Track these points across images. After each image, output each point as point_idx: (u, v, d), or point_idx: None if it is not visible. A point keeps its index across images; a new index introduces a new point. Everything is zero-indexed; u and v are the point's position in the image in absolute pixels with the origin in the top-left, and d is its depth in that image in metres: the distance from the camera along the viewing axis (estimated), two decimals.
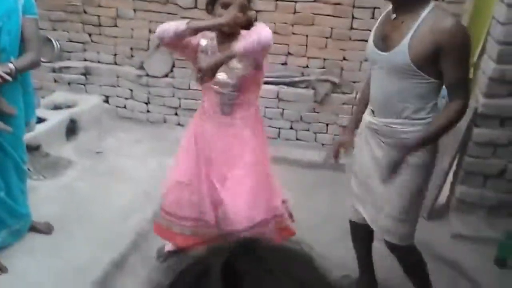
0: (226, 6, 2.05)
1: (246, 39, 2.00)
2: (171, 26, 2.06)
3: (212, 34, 2.20)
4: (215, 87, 2.16)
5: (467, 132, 2.86)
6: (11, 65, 2.20)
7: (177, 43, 2.12)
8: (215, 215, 2.32)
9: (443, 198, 3.13)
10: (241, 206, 2.20)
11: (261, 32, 1.97)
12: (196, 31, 2.05)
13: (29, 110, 2.56)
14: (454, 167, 3.05)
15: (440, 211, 3.10)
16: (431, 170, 1.99)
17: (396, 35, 1.78)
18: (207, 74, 2.02)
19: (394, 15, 1.82)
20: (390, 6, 1.86)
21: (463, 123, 2.85)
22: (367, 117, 2.01)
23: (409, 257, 2.13)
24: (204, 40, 2.20)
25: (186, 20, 2.07)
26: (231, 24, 2.02)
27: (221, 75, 2.12)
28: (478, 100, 2.82)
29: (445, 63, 1.71)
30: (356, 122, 2.15)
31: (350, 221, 2.35)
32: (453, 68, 1.71)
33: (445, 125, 1.81)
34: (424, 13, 1.72)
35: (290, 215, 2.51)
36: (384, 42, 1.83)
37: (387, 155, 1.92)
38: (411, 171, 1.91)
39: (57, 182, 3.38)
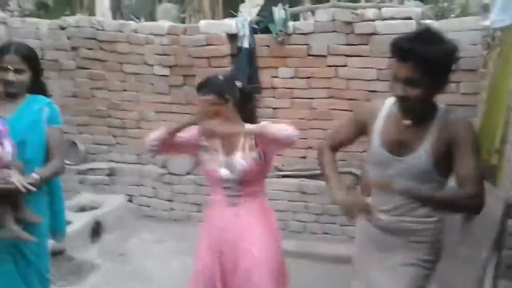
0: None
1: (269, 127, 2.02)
2: (153, 136, 2.16)
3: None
4: (220, 182, 2.18)
5: (502, 224, 2.78)
6: (35, 175, 2.22)
7: (168, 149, 2.22)
8: None
9: None
10: None
11: (288, 128, 2.00)
12: (174, 132, 2.13)
13: (59, 220, 2.57)
14: (494, 260, 2.92)
15: None
16: (431, 272, 1.91)
17: (413, 139, 1.76)
18: (213, 134, 2.07)
19: (409, 122, 1.77)
20: (391, 109, 1.84)
21: (496, 214, 2.79)
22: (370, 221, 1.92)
23: None
24: (203, 138, 2.21)
25: (165, 127, 2.17)
26: (201, 119, 2.08)
27: (224, 171, 2.14)
28: (508, 190, 2.77)
29: (460, 155, 1.69)
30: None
31: None
32: (467, 160, 1.67)
33: (448, 200, 1.73)
34: (439, 115, 1.74)
35: None
36: (398, 147, 1.79)
37: (400, 254, 1.87)
38: (420, 268, 1.86)
39: (81, 287, 3.31)
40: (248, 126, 2.11)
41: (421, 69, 1.61)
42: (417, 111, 1.74)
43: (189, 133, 2.20)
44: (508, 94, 3.07)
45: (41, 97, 2.40)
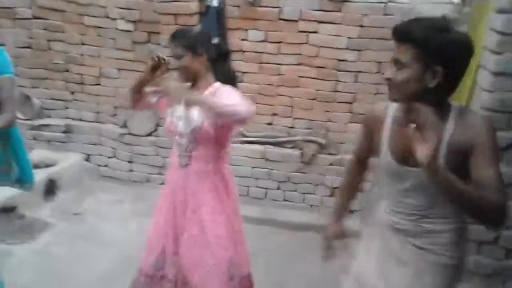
0: (174, 56, 2.08)
1: (225, 98, 1.96)
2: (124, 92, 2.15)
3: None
4: (176, 137, 2.13)
5: None
6: None
7: (141, 104, 2.23)
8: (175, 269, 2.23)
9: None
10: (192, 263, 2.15)
11: (238, 104, 1.92)
12: (137, 87, 2.14)
13: (27, 169, 2.48)
14: None
15: None
16: (461, 271, 1.72)
17: None
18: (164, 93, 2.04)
19: (413, 125, 1.48)
20: (395, 112, 1.67)
21: None
22: (387, 216, 1.75)
23: None
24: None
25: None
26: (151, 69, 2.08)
27: (180, 125, 2.09)
28: None
29: (477, 161, 1.48)
30: (343, 210, 1.97)
31: None
32: (486, 166, 1.46)
33: (474, 197, 1.42)
34: (452, 118, 1.54)
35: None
36: (409, 157, 1.52)
37: (416, 256, 1.68)
38: (440, 274, 1.66)
39: (32, 246, 3.20)
40: (194, 95, 2.00)
41: (412, 52, 1.45)
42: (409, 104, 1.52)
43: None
44: (475, 70, 3.12)
45: None
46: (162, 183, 4.16)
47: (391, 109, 1.68)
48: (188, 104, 1.98)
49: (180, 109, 2.09)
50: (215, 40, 2.16)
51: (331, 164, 3.86)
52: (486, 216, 1.46)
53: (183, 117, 2.08)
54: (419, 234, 1.66)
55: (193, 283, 2.16)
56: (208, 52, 2.08)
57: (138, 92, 2.18)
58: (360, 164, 1.96)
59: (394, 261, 1.73)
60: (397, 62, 1.49)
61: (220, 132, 2.07)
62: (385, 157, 1.66)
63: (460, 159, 1.50)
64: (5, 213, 3.26)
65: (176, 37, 2.06)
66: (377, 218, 1.79)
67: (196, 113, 2.05)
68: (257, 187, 3.98)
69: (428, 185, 1.49)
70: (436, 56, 1.45)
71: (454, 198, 1.46)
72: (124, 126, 4.23)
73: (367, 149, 1.83)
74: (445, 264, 1.65)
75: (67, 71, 4.32)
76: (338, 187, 3.75)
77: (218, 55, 2.17)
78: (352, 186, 1.98)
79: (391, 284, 1.73)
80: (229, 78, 2.17)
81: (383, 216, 1.76)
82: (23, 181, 2.52)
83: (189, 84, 2.10)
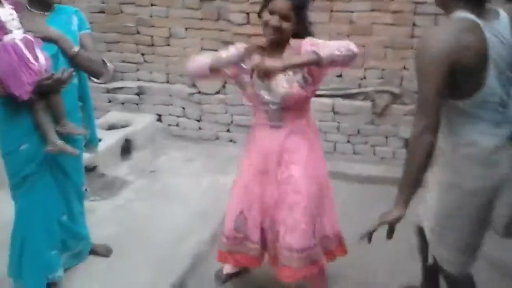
0: (272, 13, 1.90)
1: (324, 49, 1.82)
2: (196, 67, 2.06)
3: (257, 53, 2.04)
4: (262, 105, 2.05)
5: None
6: (75, 48, 2.21)
7: (211, 76, 2.09)
8: (260, 231, 2.24)
9: None
10: (294, 225, 2.09)
11: (345, 45, 1.82)
12: (217, 70, 2.01)
13: (92, 131, 2.57)
14: None
15: None
16: (473, 197, 1.71)
17: None
18: (271, 72, 1.83)
19: None
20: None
21: None
22: None
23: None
24: (246, 61, 2.03)
25: (208, 59, 2.01)
26: (249, 52, 1.96)
27: (265, 94, 2.00)
28: None
29: None
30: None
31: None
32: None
33: (409, 164, 1.67)
34: None
35: (340, 242, 2.39)
36: None
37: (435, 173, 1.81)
38: (442, 190, 1.78)
39: (113, 202, 3.37)
40: (297, 58, 1.86)
41: None
42: None
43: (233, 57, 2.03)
44: None
45: (66, 6, 2.36)
46: (231, 141, 4.24)
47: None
48: (298, 67, 1.88)
49: (257, 80, 1.98)
50: None
51: (405, 115, 3.65)
52: (416, 148, 1.61)
53: (268, 86, 1.98)
54: (439, 153, 1.75)
55: (281, 236, 2.14)
56: (307, 15, 1.96)
57: (216, 71, 2.05)
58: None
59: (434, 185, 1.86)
60: None
61: (312, 88, 2.00)
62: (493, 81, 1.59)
63: None
64: (87, 173, 3.43)
65: None
66: None
67: (284, 80, 1.95)
68: (325, 140, 3.88)
69: None
70: None
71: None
72: (193, 85, 4.27)
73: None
74: (453, 184, 1.75)
75: (138, 33, 4.38)
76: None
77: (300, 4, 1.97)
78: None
79: None
80: (309, 30, 2.03)
81: None
82: (90, 143, 2.62)
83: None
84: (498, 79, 1.59)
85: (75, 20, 2.29)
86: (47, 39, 2.11)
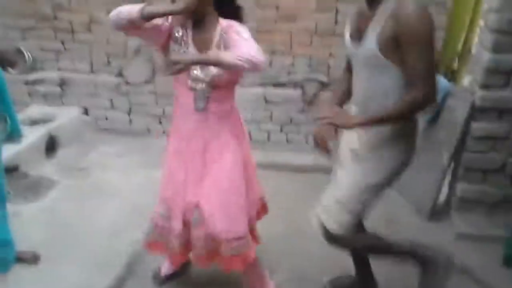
0: None
1: (234, 50, 1.81)
2: (124, 11, 1.84)
3: (188, 22, 1.99)
4: (188, 81, 1.99)
5: (465, 126, 2.80)
6: None
7: (135, 30, 1.90)
8: (183, 220, 2.20)
9: (442, 196, 3.07)
10: (217, 208, 2.08)
11: (252, 51, 1.79)
12: (149, 18, 1.83)
13: (14, 123, 2.43)
14: (452, 164, 2.98)
15: (441, 210, 3.04)
16: (393, 169, 1.90)
17: (367, 26, 1.74)
18: (175, 70, 1.76)
19: (367, 8, 1.77)
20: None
21: (460, 117, 2.79)
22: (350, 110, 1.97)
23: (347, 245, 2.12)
24: (178, 29, 1.98)
25: (140, 5, 1.82)
26: (190, 9, 1.81)
27: (195, 70, 1.95)
28: (474, 92, 2.75)
29: (404, 50, 1.66)
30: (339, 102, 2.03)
31: None
32: (411, 56, 1.65)
33: (396, 113, 1.73)
34: (393, 1, 1.68)
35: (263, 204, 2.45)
36: (358, 35, 1.79)
37: (362, 147, 1.91)
38: (366, 163, 1.90)
39: (40, 204, 3.20)
40: (200, 55, 1.86)
41: None
42: None
43: (161, 20, 1.91)
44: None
45: None
46: (163, 133, 4.16)
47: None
48: (197, 63, 1.82)
49: (191, 52, 1.94)
50: None
51: None
52: (420, 110, 1.73)
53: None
54: (368, 129, 1.86)
55: (213, 226, 2.10)
56: None
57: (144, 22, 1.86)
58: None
59: (347, 149, 2.00)
60: None
61: (239, 74, 2.01)
62: (346, 39, 1.89)
63: (392, 40, 1.66)
64: (8, 173, 3.23)
65: None
66: None
67: None
68: (259, 130, 3.92)
69: (364, 61, 1.80)
70: None
71: (386, 123, 1.77)
72: (120, 75, 4.11)
73: None
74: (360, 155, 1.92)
75: (55, 19, 4.11)
76: None
77: None
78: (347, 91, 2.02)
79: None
80: (237, 14, 2.00)
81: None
82: (13, 134, 2.48)
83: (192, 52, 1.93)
84: None
85: None
86: None
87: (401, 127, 1.83)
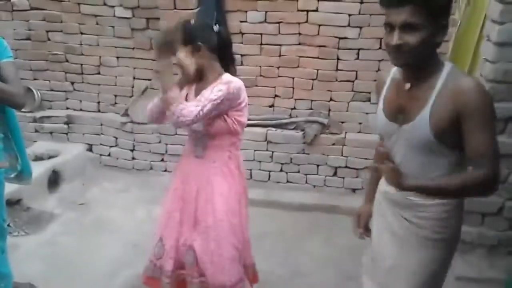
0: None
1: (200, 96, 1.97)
2: (154, 108, 2.11)
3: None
4: (190, 129, 2.12)
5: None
6: None
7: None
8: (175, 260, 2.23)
9: None
10: (208, 256, 2.13)
11: (190, 108, 1.91)
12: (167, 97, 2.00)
13: (24, 161, 2.45)
14: None
15: None
16: (454, 248, 1.74)
17: (413, 105, 1.55)
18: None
19: (408, 84, 1.57)
20: (396, 73, 1.67)
21: None
22: (384, 187, 1.76)
23: None
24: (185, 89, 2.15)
25: (158, 96, 2.07)
26: (191, 77, 2.05)
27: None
28: None
29: (467, 129, 1.46)
30: (373, 191, 1.87)
31: None
32: (476, 134, 1.45)
33: (457, 187, 1.50)
34: (442, 77, 1.51)
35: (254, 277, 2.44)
36: (400, 114, 1.60)
37: (405, 229, 1.69)
38: (427, 248, 1.65)
39: (40, 237, 3.22)
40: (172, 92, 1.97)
41: (421, 11, 1.42)
42: (418, 69, 1.53)
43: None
44: (474, 44, 3.06)
45: None
46: (165, 170, 4.21)
47: (393, 70, 1.68)
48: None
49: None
50: (216, 28, 2.09)
51: (333, 144, 3.83)
52: (478, 193, 1.59)
53: None
54: (407, 206, 1.67)
55: (208, 273, 2.15)
56: (209, 42, 2.03)
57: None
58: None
59: (389, 234, 1.75)
60: (408, 25, 1.44)
61: (227, 123, 2.05)
62: (379, 114, 1.69)
63: (452, 121, 1.47)
64: (10, 206, 3.26)
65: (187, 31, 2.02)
66: (379, 189, 1.82)
67: None
68: (260, 169, 3.97)
69: (411, 144, 1.57)
70: (444, 11, 1.48)
71: (443, 195, 1.56)
72: (125, 114, 4.22)
73: None
74: (431, 238, 1.65)
75: (66, 61, 4.29)
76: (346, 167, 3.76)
77: (221, 43, 2.09)
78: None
79: (386, 257, 1.75)
80: (231, 65, 2.15)
81: (381, 186, 1.79)
82: (23, 174, 2.49)
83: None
84: None
85: None
86: None
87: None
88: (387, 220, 1.76)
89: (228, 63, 2.13)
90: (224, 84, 1.99)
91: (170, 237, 2.22)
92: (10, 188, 3.29)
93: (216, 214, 2.12)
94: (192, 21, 2.07)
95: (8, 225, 3.11)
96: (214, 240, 2.12)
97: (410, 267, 1.68)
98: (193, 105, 1.92)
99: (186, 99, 2.08)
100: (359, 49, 3.69)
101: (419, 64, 1.52)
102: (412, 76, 1.56)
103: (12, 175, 2.46)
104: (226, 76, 2.06)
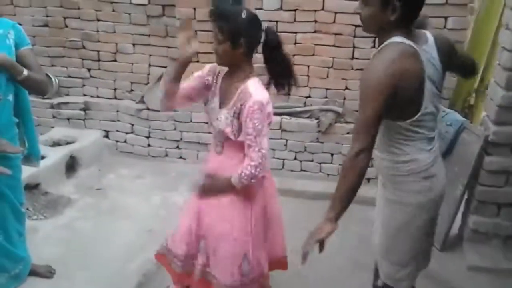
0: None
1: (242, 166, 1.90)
2: (159, 94, 2.07)
3: (217, 69, 2.09)
4: (211, 126, 2.09)
5: (478, 160, 2.81)
6: (24, 71, 2.15)
7: (180, 100, 2.06)
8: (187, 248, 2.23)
9: (455, 228, 3.05)
10: (212, 250, 2.15)
11: (255, 166, 1.87)
12: (175, 77, 1.96)
13: (34, 146, 2.50)
14: (466, 196, 2.98)
15: (453, 241, 3.02)
16: (413, 213, 1.86)
17: None
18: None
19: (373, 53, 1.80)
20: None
21: (474, 151, 2.81)
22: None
23: None
24: (209, 77, 2.08)
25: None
26: (187, 57, 1.91)
27: (215, 120, 2.02)
28: (488, 127, 2.78)
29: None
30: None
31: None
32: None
33: (342, 182, 1.69)
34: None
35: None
36: None
37: (380, 190, 1.97)
38: (387, 207, 1.93)
39: (57, 221, 3.28)
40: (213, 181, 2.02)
41: None
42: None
43: (195, 79, 2.07)
44: (493, 33, 3.01)
45: (4, 19, 2.26)
46: (180, 157, 4.25)
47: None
48: None
49: (214, 101, 2.04)
50: (264, 26, 1.91)
51: (348, 133, 3.81)
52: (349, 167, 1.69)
53: (215, 111, 2.02)
54: (380, 170, 1.94)
55: (210, 266, 2.20)
56: (251, 44, 1.89)
57: (173, 88, 2.00)
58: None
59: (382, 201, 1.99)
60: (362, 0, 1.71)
61: (239, 134, 1.96)
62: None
63: None
64: (29, 190, 3.34)
65: (218, 17, 1.86)
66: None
67: (223, 116, 1.96)
68: (274, 158, 3.97)
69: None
70: None
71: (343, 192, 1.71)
72: (141, 101, 4.25)
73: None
74: (390, 199, 1.91)
75: (83, 48, 4.32)
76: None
77: (268, 44, 1.92)
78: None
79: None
80: (285, 68, 2.00)
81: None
82: (31, 157, 2.54)
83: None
84: (431, 99, 1.74)
85: (12, 34, 2.20)
86: None
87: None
88: (380, 189, 2.02)
89: (278, 65, 1.96)
90: (257, 110, 1.84)
91: (186, 225, 2.23)
92: (28, 172, 3.38)
93: (226, 215, 2.10)
94: (244, 14, 1.86)
95: (28, 209, 3.19)
96: (216, 237, 2.13)
97: (380, 222, 1.99)
98: (250, 160, 1.87)
99: (210, 88, 2.06)
100: (375, 37, 3.62)
101: (377, 36, 1.77)
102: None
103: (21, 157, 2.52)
104: (252, 84, 1.90)
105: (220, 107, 2.00)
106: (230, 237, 2.09)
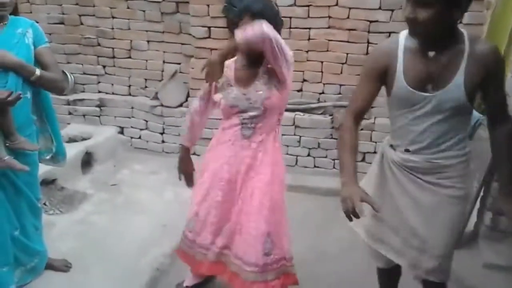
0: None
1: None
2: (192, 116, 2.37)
3: (231, 63, 2.16)
4: (237, 114, 2.12)
5: None
6: (37, 70, 2.17)
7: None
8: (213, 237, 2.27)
9: (471, 225, 3.02)
10: (249, 238, 2.17)
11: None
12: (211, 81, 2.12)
13: (59, 145, 2.53)
14: (481, 193, 2.94)
15: (469, 238, 2.98)
16: (470, 203, 1.97)
17: (443, 72, 1.65)
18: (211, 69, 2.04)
19: (432, 52, 1.67)
20: (406, 42, 1.73)
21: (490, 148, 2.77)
22: (399, 155, 1.86)
23: None
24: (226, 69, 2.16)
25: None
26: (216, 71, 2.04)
27: (241, 103, 2.09)
28: None
29: (492, 87, 1.68)
30: (355, 170, 1.80)
31: (378, 269, 2.25)
32: (500, 95, 1.72)
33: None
34: (466, 44, 1.62)
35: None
36: (429, 82, 1.69)
37: (429, 193, 1.81)
38: (456, 205, 1.83)
39: (73, 216, 3.32)
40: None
41: None
42: (433, 38, 1.62)
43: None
44: (510, 27, 2.96)
45: (23, 18, 2.29)
46: (194, 154, 4.23)
47: (402, 39, 1.74)
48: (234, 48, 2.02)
49: (234, 90, 2.11)
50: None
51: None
52: None
53: (244, 96, 2.09)
54: (428, 171, 1.80)
55: (232, 248, 2.22)
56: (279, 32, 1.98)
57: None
58: (358, 121, 1.84)
59: (407, 198, 1.86)
60: (419, 1, 1.54)
61: (285, 90, 2.09)
62: (400, 86, 1.72)
63: (479, 84, 1.65)
64: (46, 186, 3.39)
65: (258, 12, 1.95)
66: (388, 158, 1.91)
67: (257, 86, 2.06)
68: (287, 154, 3.97)
69: (444, 109, 1.67)
70: None
71: None
72: (155, 98, 4.28)
73: (367, 104, 1.82)
74: (455, 196, 1.81)
75: (98, 45, 4.37)
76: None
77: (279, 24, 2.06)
78: (356, 144, 1.81)
79: (412, 223, 1.87)
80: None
81: (391, 156, 1.89)
82: (58, 156, 2.57)
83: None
84: None
85: (30, 33, 2.23)
86: (3, 68, 2.09)
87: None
88: (405, 188, 1.86)
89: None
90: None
91: (209, 214, 2.26)
92: (45, 168, 3.43)
93: (252, 191, 2.16)
94: (276, 7, 2.03)
95: (44, 204, 3.24)
96: (245, 215, 2.17)
97: (441, 224, 1.82)
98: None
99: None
100: (390, 33, 3.60)
101: (436, 37, 1.62)
102: (433, 44, 1.65)
103: (48, 157, 2.55)
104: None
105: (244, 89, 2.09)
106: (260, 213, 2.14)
